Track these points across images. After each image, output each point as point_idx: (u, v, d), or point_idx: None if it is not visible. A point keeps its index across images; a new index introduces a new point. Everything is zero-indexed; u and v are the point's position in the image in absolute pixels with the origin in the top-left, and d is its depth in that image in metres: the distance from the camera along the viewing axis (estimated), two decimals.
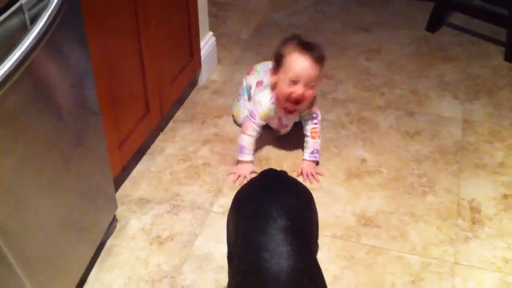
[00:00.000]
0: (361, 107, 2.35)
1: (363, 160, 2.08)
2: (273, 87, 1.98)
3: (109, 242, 1.77)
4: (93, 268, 1.69)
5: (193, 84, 2.46)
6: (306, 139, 2.03)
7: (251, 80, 2.17)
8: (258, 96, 2.03)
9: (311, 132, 2.02)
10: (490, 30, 2.82)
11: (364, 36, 2.86)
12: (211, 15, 2.57)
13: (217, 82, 2.52)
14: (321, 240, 1.77)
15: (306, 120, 2.03)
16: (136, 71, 1.89)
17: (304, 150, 2.04)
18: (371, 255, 1.73)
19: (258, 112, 2.00)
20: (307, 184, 1.94)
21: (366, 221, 1.85)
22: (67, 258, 1.51)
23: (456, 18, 2.95)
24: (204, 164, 2.07)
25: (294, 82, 1.89)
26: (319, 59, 1.90)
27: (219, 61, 2.64)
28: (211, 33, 2.54)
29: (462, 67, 2.60)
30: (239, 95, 2.23)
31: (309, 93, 1.91)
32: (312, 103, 2.01)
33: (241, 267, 1.20)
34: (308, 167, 2.01)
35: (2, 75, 1.06)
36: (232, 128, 2.24)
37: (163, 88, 2.08)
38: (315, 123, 2.02)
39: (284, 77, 1.90)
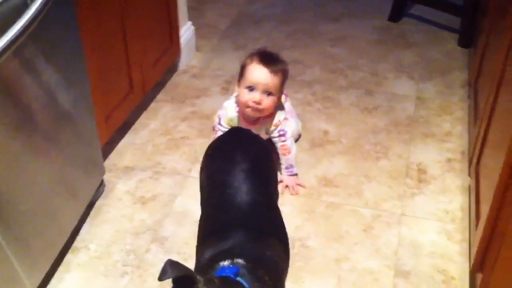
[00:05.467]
0: (325, 87, 2.59)
1: (326, 132, 2.33)
2: (238, 97, 2.04)
3: (98, 203, 2.00)
4: (84, 223, 1.92)
5: (174, 69, 2.69)
6: (280, 156, 2.07)
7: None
8: (226, 103, 2.10)
9: (281, 150, 2.06)
10: (445, 19, 3.08)
11: (333, 25, 3.11)
12: (192, 8, 2.81)
13: (196, 67, 2.76)
14: (285, 198, 2.02)
15: (274, 137, 2.07)
16: (120, 51, 2.12)
17: (280, 166, 2.09)
18: (329, 209, 1.98)
19: (224, 116, 2.07)
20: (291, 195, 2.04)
21: (326, 182, 2.09)
22: (59, 211, 1.73)
23: (416, 9, 3.21)
24: (183, 137, 2.31)
25: (251, 89, 1.95)
26: (276, 71, 1.95)
27: (198, 48, 2.88)
28: (190, 22, 2.78)
29: (419, 52, 2.86)
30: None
31: (267, 101, 1.96)
32: (276, 118, 2.05)
33: (210, 201, 1.45)
34: (288, 180, 2.07)
35: (7, 41, 1.29)
36: (208, 107, 2.48)
37: (145, 69, 2.31)
38: (283, 141, 2.05)
39: (243, 85, 1.98)
